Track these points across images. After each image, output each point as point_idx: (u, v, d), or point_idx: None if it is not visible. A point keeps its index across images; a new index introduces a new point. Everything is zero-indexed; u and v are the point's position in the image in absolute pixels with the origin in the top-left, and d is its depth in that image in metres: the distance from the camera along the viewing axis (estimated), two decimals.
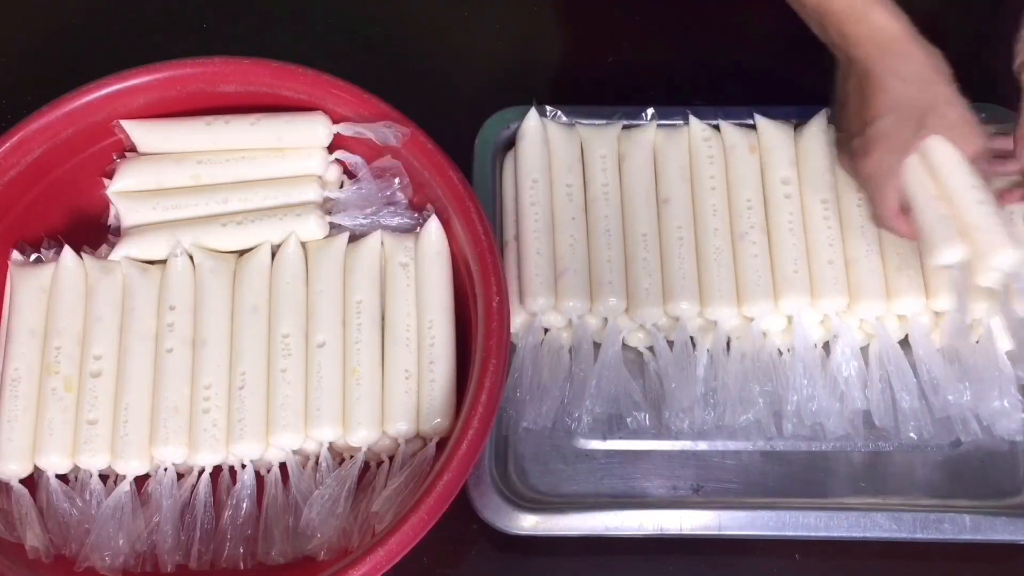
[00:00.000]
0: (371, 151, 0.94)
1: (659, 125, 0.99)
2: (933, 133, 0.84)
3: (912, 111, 0.84)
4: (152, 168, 0.94)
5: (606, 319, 0.92)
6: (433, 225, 0.91)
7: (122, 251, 0.92)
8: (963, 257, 0.84)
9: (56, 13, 1.12)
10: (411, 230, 0.93)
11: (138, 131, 0.94)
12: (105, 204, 0.96)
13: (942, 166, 0.85)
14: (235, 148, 0.94)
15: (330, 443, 0.87)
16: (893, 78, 0.84)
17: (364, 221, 0.93)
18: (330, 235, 0.93)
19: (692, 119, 0.98)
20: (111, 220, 0.96)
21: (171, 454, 0.85)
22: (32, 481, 0.86)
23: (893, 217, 0.87)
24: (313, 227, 0.92)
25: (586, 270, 0.93)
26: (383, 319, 0.90)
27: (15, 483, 0.85)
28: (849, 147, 0.89)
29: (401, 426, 0.86)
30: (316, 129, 0.93)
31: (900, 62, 0.84)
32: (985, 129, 0.87)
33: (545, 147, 0.97)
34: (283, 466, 0.87)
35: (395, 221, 0.93)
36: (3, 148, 0.90)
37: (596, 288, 0.92)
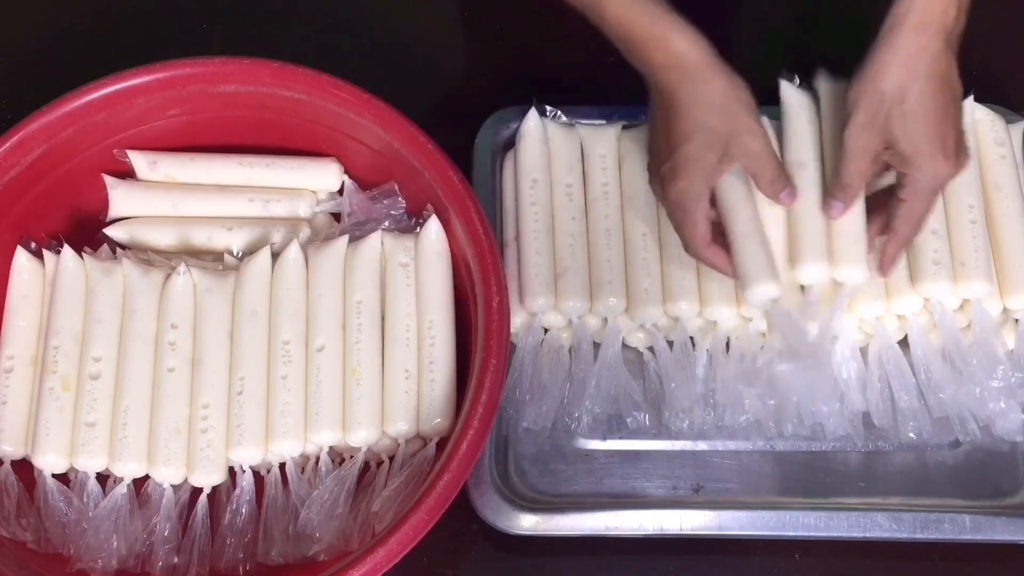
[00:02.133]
0: (371, 170, 0.95)
1: None
2: (735, 161, 0.84)
3: (716, 138, 0.83)
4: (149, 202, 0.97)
5: (606, 319, 0.92)
6: (433, 225, 0.91)
7: (118, 231, 0.94)
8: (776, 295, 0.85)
9: (56, 13, 1.12)
10: (411, 230, 0.94)
11: (142, 162, 0.96)
12: (105, 204, 0.96)
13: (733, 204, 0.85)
14: (245, 185, 0.97)
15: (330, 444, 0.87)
16: (695, 105, 0.83)
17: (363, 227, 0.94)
18: (330, 237, 0.93)
19: None
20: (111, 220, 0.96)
21: (171, 475, 0.85)
22: (25, 469, 0.87)
23: (703, 247, 0.85)
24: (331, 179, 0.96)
25: (586, 270, 0.93)
26: (383, 319, 0.90)
27: (7, 468, 0.86)
28: (659, 174, 0.87)
29: (401, 426, 0.86)
30: (327, 178, 0.97)
31: (702, 89, 0.83)
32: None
33: (545, 147, 0.97)
34: (283, 466, 0.87)
35: (394, 225, 0.94)
36: (3, 148, 0.90)
37: (596, 288, 0.92)
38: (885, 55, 0.82)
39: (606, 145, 0.97)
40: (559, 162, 0.97)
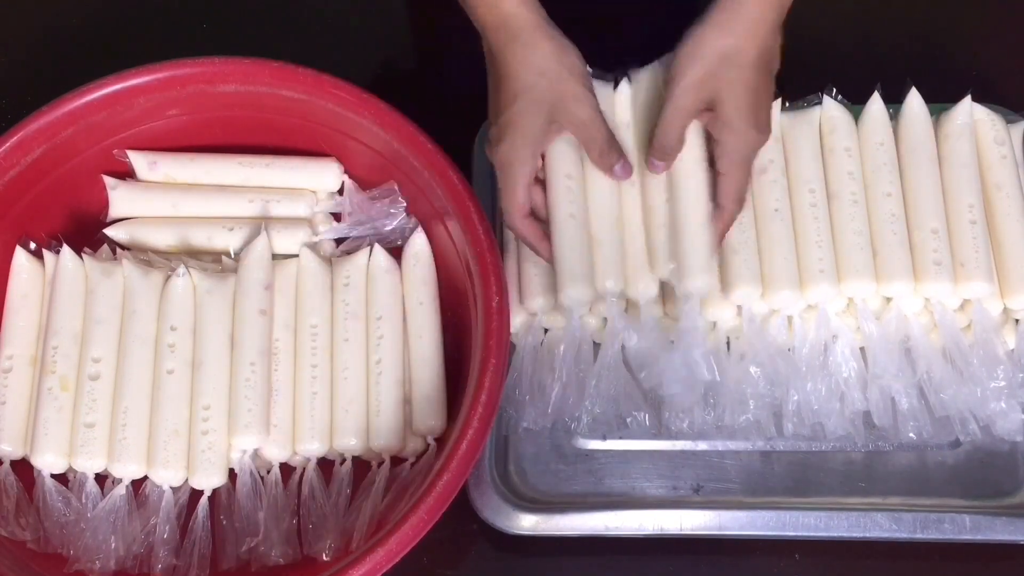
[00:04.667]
0: (371, 170, 0.95)
1: None
2: (564, 129, 0.83)
3: (541, 102, 0.82)
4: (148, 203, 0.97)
5: (606, 319, 0.92)
6: (419, 239, 0.93)
7: (118, 231, 0.95)
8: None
9: (56, 13, 1.12)
10: (411, 231, 0.94)
11: (142, 162, 0.96)
12: (105, 204, 0.96)
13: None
14: (244, 185, 0.97)
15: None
16: (521, 67, 0.82)
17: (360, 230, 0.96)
18: (324, 239, 0.95)
19: None
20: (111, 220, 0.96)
21: (170, 477, 0.85)
22: (24, 469, 0.87)
23: (519, 217, 0.84)
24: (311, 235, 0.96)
25: None
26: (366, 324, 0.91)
27: (6, 468, 0.86)
28: (488, 135, 0.86)
29: (386, 440, 0.87)
30: (327, 178, 0.96)
31: (529, 52, 0.82)
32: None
33: None
34: (283, 466, 0.87)
35: (390, 227, 0.95)
36: (3, 148, 0.90)
37: None
38: (728, 15, 0.81)
39: None
40: None
